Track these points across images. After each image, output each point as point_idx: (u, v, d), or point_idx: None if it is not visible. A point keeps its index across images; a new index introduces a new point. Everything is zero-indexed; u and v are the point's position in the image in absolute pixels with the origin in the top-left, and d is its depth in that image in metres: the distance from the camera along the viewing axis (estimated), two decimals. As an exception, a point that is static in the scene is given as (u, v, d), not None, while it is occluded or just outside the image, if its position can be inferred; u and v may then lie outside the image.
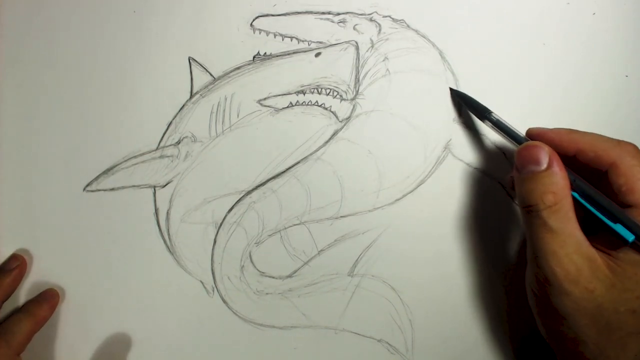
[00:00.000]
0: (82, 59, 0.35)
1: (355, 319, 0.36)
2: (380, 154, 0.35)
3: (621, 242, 0.27)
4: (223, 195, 0.35)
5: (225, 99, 0.35)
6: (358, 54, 0.35)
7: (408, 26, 0.35)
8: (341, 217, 0.36)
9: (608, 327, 0.27)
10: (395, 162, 0.35)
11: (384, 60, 0.35)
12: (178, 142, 0.35)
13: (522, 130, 0.32)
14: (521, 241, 0.36)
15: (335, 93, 0.35)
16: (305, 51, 0.35)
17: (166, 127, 0.35)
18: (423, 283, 0.36)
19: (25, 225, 0.36)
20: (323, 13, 0.35)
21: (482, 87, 0.35)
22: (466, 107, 0.34)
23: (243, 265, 0.36)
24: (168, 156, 0.35)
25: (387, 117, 0.35)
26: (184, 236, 0.36)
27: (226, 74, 0.35)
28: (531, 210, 0.28)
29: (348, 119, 0.35)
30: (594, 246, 0.28)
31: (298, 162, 0.35)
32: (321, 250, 0.36)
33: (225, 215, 0.36)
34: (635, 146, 0.29)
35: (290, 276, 0.36)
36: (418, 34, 0.35)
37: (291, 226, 0.36)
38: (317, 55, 0.35)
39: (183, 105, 0.35)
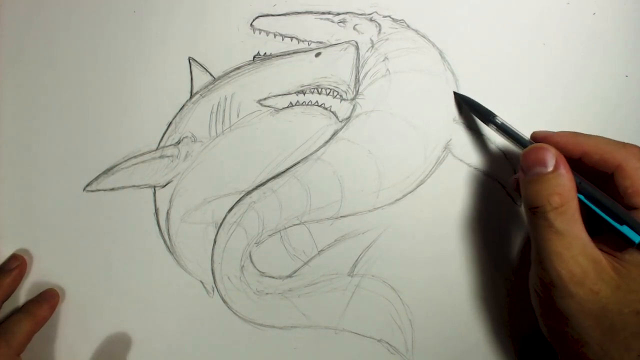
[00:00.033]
0: (82, 59, 0.35)
1: (355, 319, 0.36)
2: (380, 154, 0.35)
3: (627, 243, 0.27)
4: (223, 195, 0.35)
5: (225, 99, 0.35)
6: (358, 54, 0.35)
7: (408, 26, 0.35)
8: (341, 217, 0.36)
9: (612, 328, 0.27)
10: (395, 162, 0.35)
11: (384, 60, 0.35)
12: (178, 142, 0.35)
13: (526, 134, 0.31)
14: (522, 241, 0.36)
15: (335, 93, 0.35)
16: (305, 51, 0.35)
17: (166, 127, 0.35)
18: (423, 283, 0.36)
19: (25, 225, 0.36)
20: (323, 13, 0.35)
21: (482, 87, 0.35)
22: (470, 111, 0.34)
23: (243, 265, 0.36)
24: (168, 156, 0.35)
25: (387, 117, 0.35)
26: (184, 236, 0.36)
27: (226, 74, 0.35)
28: (537, 212, 0.28)
29: (348, 119, 0.35)
30: (598, 248, 0.28)
31: (298, 162, 0.35)
32: (321, 250, 0.36)
33: (225, 215, 0.36)
34: (639, 148, 0.29)
35: (290, 276, 0.36)
36: (418, 34, 0.35)
37: (291, 226, 0.36)
38: (317, 55, 0.35)
39: (183, 105, 0.35)
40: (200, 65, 0.35)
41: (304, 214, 0.36)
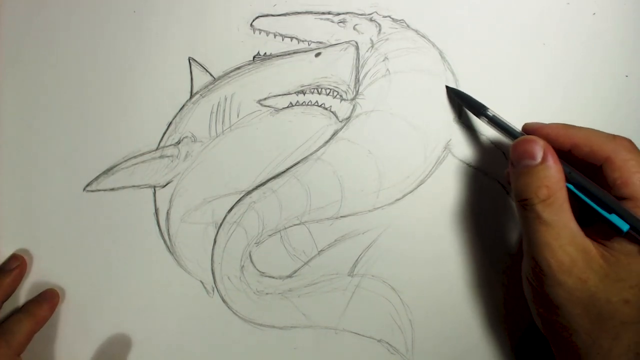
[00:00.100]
0: (82, 59, 0.35)
1: (355, 319, 0.36)
2: (380, 154, 0.35)
3: (615, 232, 0.27)
4: (223, 195, 0.35)
5: (225, 99, 0.35)
6: (358, 54, 0.35)
7: (408, 26, 0.35)
8: (341, 217, 0.36)
9: (600, 317, 0.27)
10: (395, 162, 0.35)
11: (384, 60, 0.35)
12: (178, 142, 0.35)
13: (518, 126, 0.32)
14: (521, 240, 0.36)
15: (335, 93, 0.35)
16: (305, 51, 0.35)
17: (166, 127, 0.35)
18: (423, 283, 0.36)
19: (25, 225, 0.36)
20: (323, 13, 0.35)
21: (482, 87, 0.35)
22: (462, 104, 0.34)
23: (243, 265, 0.36)
24: (168, 156, 0.35)
25: (387, 117, 0.35)
26: (184, 236, 0.36)
27: (226, 74, 0.35)
28: (526, 204, 0.28)
29: (348, 119, 0.35)
30: (589, 237, 0.28)
31: (298, 162, 0.35)
32: (321, 250, 0.36)
33: (225, 215, 0.36)
34: (629, 141, 0.29)
35: (290, 276, 0.36)
36: (418, 34, 0.35)
37: (291, 226, 0.36)
38: (317, 55, 0.35)
39: (183, 105, 0.35)
40: (200, 65, 0.35)
41: (304, 214, 0.36)
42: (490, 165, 0.35)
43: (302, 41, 0.35)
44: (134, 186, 0.35)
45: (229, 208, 0.35)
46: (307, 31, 0.35)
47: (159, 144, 0.35)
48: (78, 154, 0.35)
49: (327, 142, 0.35)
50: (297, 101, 0.35)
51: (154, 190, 0.35)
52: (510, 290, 0.36)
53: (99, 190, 0.35)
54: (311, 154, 0.35)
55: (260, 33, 0.35)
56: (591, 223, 0.29)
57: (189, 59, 0.35)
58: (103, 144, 0.35)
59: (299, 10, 0.35)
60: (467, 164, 0.35)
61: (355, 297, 0.36)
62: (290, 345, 0.36)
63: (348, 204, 0.35)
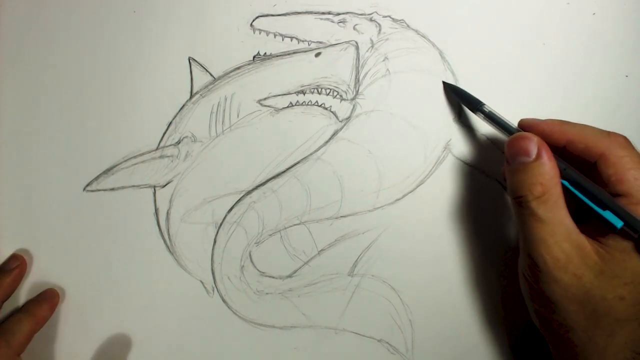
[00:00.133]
0: (82, 59, 0.35)
1: (355, 319, 0.36)
2: (380, 154, 0.35)
3: (609, 229, 0.27)
4: (223, 195, 0.35)
5: (225, 99, 0.35)
6: (358, 54, 0.35)
7: (408, 26, 0.35)
8: (341, 217, 0.36)
9: (596, 314, 0.27)
10: (395, 162, 0.35)
11: (384, 60, 0.35)
12: (178, 142, 0.35)
13: (514, 122, 0.32)
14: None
15: (335, 93, 0.35)
16: (305, 51, 0.35)
17: (166, 127, 0.35)
18: (423, 283, 0.36)
19: (25, 225, 0.36)
20: (323, 13, 0.35)
21: (482, 87, 0.35)
22: (459, 100, 0.34)
23: (243, 265, 0.36)
24: (168, 156, 0.35)
25: (387, 117, 0.35)
26: (184, 236, 0.36)
27: (226, 74, 0.35)
28: (521, 201, 0.28)
29: (348, 119, 0.35)
30: (584, 234, 0.28)
31: (298, 162, 0.35)
32: (321, 250, 0.36)
33: (225, 215, 0.36)
34: (624, 137, 0.29)
35: (290, 276, 0.36)
36: (418, 34, 0.35)
37: (291, 226, 0.36)
38: (317, 55, 0.35)
39: (183, 105, 0.35)
40: (200, 65, 0.35)
41: (304, 214, 0.36)
42: (490, 165, 0.35)
43: (302, 41, 0.35)
44: (134, 186, 0.35)
45: (229, 208, 0.35)
46: (307, 31, 0.35)
47: (159, 144, 0.35)
48: (78, 154, 0.35)
49: (327, 142, 0.35)
50: (297, 101, 0.35)
51: (154, 190, 0.35)
52: (510, 290, 0.36)
53: (99, 190, 0.35)
54: (311, 154, 0.35)
55: (260, 33, 0.35)
56: (587, 220, 0.29)
57: (189, 59, 0.35)
58: (103, 144, 0.35)
59: (299, 10, 0.35)
60: (467, 164, 0.35)
61: (355, 297, 0.36)
62: (290, 345, 0.36)
63: (348, 204, 0.35)
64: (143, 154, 0.35)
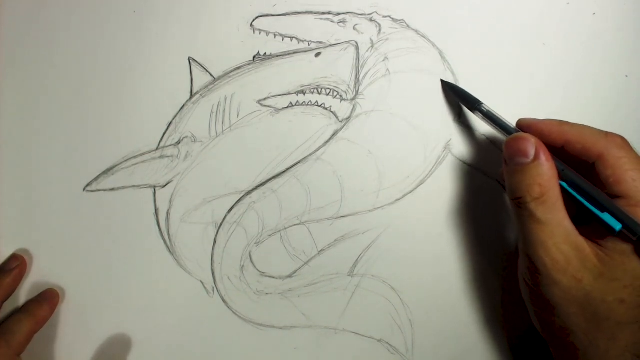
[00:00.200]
0: (82, 59, 0.35)
1: (355, 319, 0.36)
2: (380, 154, 0.35)
3: (608, 231, 0.27)
4: (223, 195, 0.35)
5: (225, 99, 0.35)
6: (358, 54, 0.35)
7: (408, 26, 0.35)
8: (341, 217, 0.36)
9: (596, 317, 0.27)
10: (395, 162, 0.35)
11: (384, 60, 0.35)
12: (178, 142, 0.35)
13: (513, 122, 0.31)
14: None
15: (335, 93, 0.35)
16: (305, 51, 0.35)
17: (166, 127, 0.35)
18: (423, 283, 0.36)
19: (25, 225, 0.36)
20: (323, 13, 0.35)
21: (482, 87, 0.35)
22: (458, 99, 0.34)
23: (243, 265, 0.36)
24: (168, 156, 0.35)
25: (387, 117, 0.35)
26: (184, 236, 0.36)
27: (226, 74, 0.35)
28: (519, 203, 0.28)
29: (348, 119, 0.35)
30: (584, 236, 0.28)
31: (298, 162, 0.35)
32: (321, 250, 0.36)
33: (225, 215, 0.36)
34: (622, 138, 0.29)
35: (290, 276, 0.36)
36: (418, 34, 0.35)
37: (291, 226, 0.36)
38: (317, 55, 0.35)
39: (183, 105, 0.35)
40: (200, 65, 0.35)
41: (304, 214, 0.36)
42: (490, 165, 0.35)
43: (302, 41, 0.35)
44: (134, 186, 0.35)
45: (229, 208, 0.35)
46: (307, 31, 0.35)
47: (159, 144, 0.35)
48: (78, 154, 0.35)
49: (327, 142, 0.35)
50: (297, 101, 0.35)
51: (154, 190, 0.35)
52: (510, 290, 0.36)
53: (99, 190, 0.35)
54: (311, 154, 0.35)
55: (260, 33, 0.35)
56: (586, 222, 0.29)
57: (189, 59, 0.35)
58: (103, 144, 0.35)
59: (299, 10, 0.35)
60: (467, 164, 0.35)
61: (355, 297, 0.36)
62: (290, 345, 0.36)
63: (348, 204, 0.35)
64: (143, 154, 0.35)
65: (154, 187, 0.35)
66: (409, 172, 0.35)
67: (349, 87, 0.35)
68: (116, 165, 0.35)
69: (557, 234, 0.27)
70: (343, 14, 0.35)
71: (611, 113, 0.35)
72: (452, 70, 0.35)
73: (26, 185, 0.35)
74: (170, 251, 0.36)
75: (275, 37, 0.35)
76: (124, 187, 0.35)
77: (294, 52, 0.35)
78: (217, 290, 0.36)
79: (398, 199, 0.35)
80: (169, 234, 0.36)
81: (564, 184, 0.28)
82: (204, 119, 0.35)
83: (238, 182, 0.35)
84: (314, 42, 0.35)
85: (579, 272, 0.27)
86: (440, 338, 0.36)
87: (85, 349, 0.36)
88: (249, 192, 0.35)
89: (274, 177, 0.35)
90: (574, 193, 0.28)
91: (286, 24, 0.35)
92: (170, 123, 0.35)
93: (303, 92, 0.35)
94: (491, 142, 0.35)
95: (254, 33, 0.35)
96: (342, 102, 0.35)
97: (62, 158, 0.35)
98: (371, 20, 0.35)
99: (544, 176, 0.28)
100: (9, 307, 0.35)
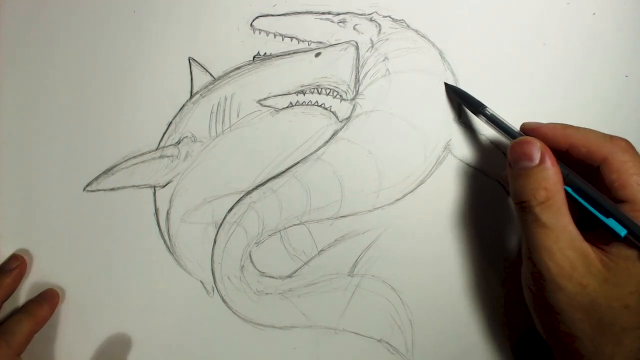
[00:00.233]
0: (82, 59, 0.35)
1: (355, 319, 0.36)
2: (380, 154, 0.35)
3: (613, 237, 0.27)
4: (223, 195, 0.35)
5: (225, 99, 0.35)
6: (358, 54, 0.35)
7: (408, 26, 0.35)
8: (341, 217, 0.36)
9: (601, 323, 0.27)
10: (395, 162, 0.35)
11: (384, 60, 0.35)
12: (178, 142, 0.35)
13: (517, 126, 0.31)
14: (520, 240, 0.36)
15: (335, 93, 0.35)
16: (305, 51, 0.35)
17: (166, 127, 0.35)
18: (423, 283, 0.36)
19: (25, 225, 0.36)
20: (323, 13, 0.35)
21: (482, 87, 0.35)
22: (461, 102, 0.34)
23: (243, 265, 0.36)
24: (168, 156, 0.35)
25: (387, 117, 0.35)
26: (184, 236, 0.36)
27: (226, 74, 0.35)
28: (524, 207, 0.28)
29: (348, 119, 0.35)
30: (588, 241, 0.28)
31: (298, 162, 0.35)
32: (321, 250, 0.36)
33: (225, 215, 0.36)
34: (627, 141, 0.29)
35: (290, 276, 0.36)
36: (418, 34, 0.35)
37: (291, 226, 0.36)
38: (317, 55, 0.35)
39: (183, 105, 0.35)
40: (200, 65, 0.35)
41: (304, 214, 0.36)
42: (490, 165, 0.35)
43: (302, 41, 0.35)
44: (134, 186, 0.35)
45: (229, 208, 0.35)
46: (307, 31, 0.35)
47: (159, 144, 0.35)
48: (78, 154, 0.35)
49: (327, 142, 0.35)
50: (297, 101, 0.35)
51: (154, 190, 0.35)
52: (510, 290, 0.36)
53: (99, 190, 0.35)
54: (311, 154, 0.35)
55: (260, 33, 0.35)
56: (590, 227, 0.29)
57: (189, 59, 0.35)
58: (103, 144, 0.35)
59: (299, 10, 0.35)
60: (467, 164, 0.35)
61: (355, 297, 0.36)
62: (290, 345, 0.36)
63: (348, 204, 0.35)
64: (143, 154, 0.35)
65: (154, 187, 0.35)
66: (409, 172, 0.35)
67: (349, 87, 0.35)
68: (116, 165, 0.35)
69: (562, 239, 0.27)
70: (343, 14, 0.35)
71: (611, 113, 0.35)
72: (452, 70, 0.35)
73: (26, 185, 0.35)
74: (170, 251, 0.36)
75: (275, 37, 0.35)
76: (124, 187, 0.35)
77: (294, 52, 0.35)
78: (217, 290, 0.36)
79: (398, 199, 0.35)
80: (169, 234, 0.36)
81: (569, 189, 0.28)
82: (204, 119, 0.35)
83: (238, 182, 0.35)
84: (314, 42, 0.35)
85: (584, 278, 0.27)
86: (440, 338, 0.36)
87: (85, 349, 0.36)
88: (249, 192, 0.35)
89: (274, 177, 0.35)
90: (579, 198, 0.28)
91: (286, 24, 0.35)
92: (170, 123, 0.35)
93: (303, 92, 0.35)
94: (491, 142, 0.35)
95: (254, 33, 0.35)
96: (342, 102, 0.35)
97: (62, 158, 0.35)
98: (371, 20, 0.35)
99: (549, 180, 0.27)
100: (9, 307, 0.35)
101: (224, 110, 0.35)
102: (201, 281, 0.36)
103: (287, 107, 0.35)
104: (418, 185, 0.35)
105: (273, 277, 0.36)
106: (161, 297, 0.36)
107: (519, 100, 0.35)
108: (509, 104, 0.35)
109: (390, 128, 0.35)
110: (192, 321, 0.36)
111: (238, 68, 0.35)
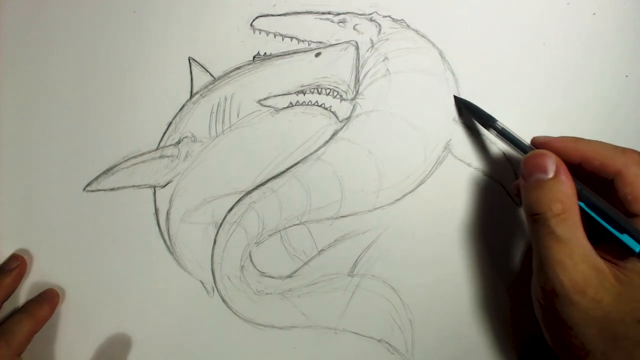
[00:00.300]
0: (82, 59, 0.35)
1: (355, 319, 0.36)
2: (380, 154, 0.35)
3: (627, 252, 0.27)
4: (223, 195, 0.35)
5: (225, 99, 0.35)
6: (358, 54, 0.35)
7: (408, 26, 0.35)
8: (341, 217, 0.36)
9: (615, 337, 0.26)
10: (395, 162, 0.35)
11: (384, 60, 0.35)
12: (178, 142, 0.35)
13: (526, 137, 0.31)
14: (521, 242, 0.36)
15: (335, 93, 0.35)
16: (305, 51, 0.35)
17: (166, 127, 0.35)
18: (423, 283, 0.36)
19: (25, 225, 0.36)
20: (323, 13, 0.35)
21: (482, 87, 0.35)
22: (470, 115, 0.34)
23: (243, 265, 0.36)
24: (168, 156, 0.35)
25: (387, 117, 0.35)
26: (184, 236, 0.36)
27: (226, 74, 0.35)
28: (538, 219, 0.27)
29: (348, 119, 0.35)
30: (599, 255, 0.27)
31: (298, 162, 0.35)
32: (321, 250, 0.36)
33: (225, 215, 0.36)
34: (639, 154, 0.29)
35: (290, 276, 0.36)
36: (418, 34, 0.35)
37: (291, 226, 0.36)
38: (317, 55, 0.35)
39: (183, 105, 0.35)
40: (200, 65, 0.35)
41: (304, 214, 0.36)
42: (490, 165, 0.35)
43: (302, 41, 0.35)
44: (134, 186, 0.35)
45: (229, 208, 0.35)
46: (307, 31, 0.35)
47: (159, 144, 0.35)
48: (78, 154, 0.35)
49: (327, 142, 0.35)
50: (297, 101, 0.35)
51: (154, 190, 0.35)
52: (512, 290, 0.36)
53: (99, 190, 0.35)
54: (311, 154, 0.35)
55: (260, 33, 0.35)
56: (600, 241, 0.28)
57: (189, 59, 0.35)
58: (103, 144, 0.35)
59: (299, 10, 0.35)
60: (467, 164, 0.35)
61: (355, 297, 0.36)
62: (290, 345, 0.36)
63: (348, 204, 0.35)
64: (143, 154, 0.35)
65: (154, 187, 0.35)
66: (409, 172, 0.35)
67: (349, 87, 0.35)
68: (116, 165, 0.35)
69: (576, 253, 0.27)
70: (343, 14, 0.35)
71: (611, 113, 0.35)
72: (452, 70, 0.35)
73: (26, 185, 0.35)
74: (170, 251, 0.36)
75: (275, 37, 0.35)
76: (124, 187, 0.35)
77: (294, 52, 0.35)
78: (217, 290, 0.36)
79: (398, 199, 0.35)
80: (169, 234, 0.36)
81: (582, 204, 0.28)
82: (204, 119, 0.35)
83: (238, 182, 0.35)
84: (314, 42, 0.35)
85: (598, 293, 0.26)
86: (440, 338, 0.36)
87: (85, 349, 0.36)
88: (249, 192, 0.35)
89: (274, 177, 0.35)
90: (593, 213, 0.28)
91: (286, 24, 0.35)
92: (170, 123, 0.35)
93: (303, 92, 0.35)
94: (491, 142, 0.35)
95: (254, 33, 0.35)
96: (342, 102, 0.35)
97: (62, 158, 0.35)
98: (371, 20, 0.35)
99: (565, 193, 0.27)
100: (9, 307, 0.35)
101: (224, 110, 0.35)
102: (201, 281, 0.36)
103: (287, 107, 0.35)
104: (418, 185, 0.35)
105: (273, 277, 0.36)
106: (161, 297, 0.36)
107: (519, 100, 0.35)
108: (509, 104, 0.35)
109: (390, 128, 0.35)
110: (192, 321, 0.36)
111: (238, 68, 0.35)
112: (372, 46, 0.35)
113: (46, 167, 0.35)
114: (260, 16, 0.35)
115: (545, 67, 0.35)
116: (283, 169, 0.35)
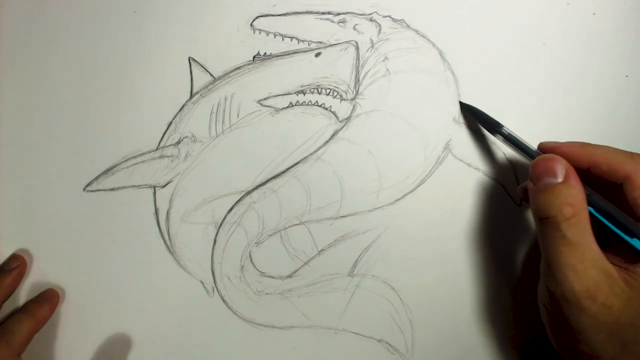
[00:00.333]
0: (82, 59, 0.35)
1: (355, 319, 0.36)
2: (380, 154, 0.35)
3: (638, 256, 0.27)
4: (223, 195, 0.35)
5: (225, 99, 0.35)
6: (358, 54, 0.35)
7: (408, 26, 0.35)
8: (341, 217, 0.36)
9: (624, 342, 0.26)
10: (395, 162, 0.35)
11: (384, 60, 0.35)
12: (178, 142, 0.35)
13: (530, 140, 0.31)
14: (521, 242, 0.36)
15: (335, 93, 0.35)
16: (305, 51, 0.35)
17: (166, 127, 0.35)
18: (423, 283, 0.36)
19: (25, 225, 0.36)
20: (323, 13, 0.35)
21: (482, 87, 0.35)
22: (476, 121, 0.34)
23: (243, 265, 0.36)
24: (168, 156, 0.35)
25: (387, 117, 0.35)
26: (184, 236, 0.36)
27: (226, 74, 0.35)
28: (548, 222, 0.27)
29: (348, 119, 0.35)
30: (608, 260, 0.27)
31: (298, 162, 0.35)
32: (321, 250, 0.36)
33: (225, 215, 0.36)
34: None
35: (290, 276, 0.36)
36: (418, 34, 0.35)
37: (291, 226, 0.36)
38: (317, 55, 0.35)
39: (183, 105, 0.35)
40: (200, 65, 0.35)
41: (304, 214, 0.36)
42: (490, 165, 0.35)
43: (302, 41, 0.35)
44: (134, 186, 0.35)
45: (229, 208, 0.35)
46: (307, 31, 0.35)
47: (159, 144, 0.35)
48: (78, 154, 0.35)
49: (327, 142, 0.35)
50: (297, 101, 0.35)
51: (154, 190, 0.35)
52: (513, 290, 0.36)
53: (99, 190, 0.35)
54: (311, 154, 0.35)
55: (260, 33, 0.35)
56: (607, 245, 0.28)
57: (189, 59, 0.35)
58: (103, 144, 0.35)
59: (299, 10, 0.35)
60: (467, 164, 0.35)
61: (355, 297, 0.36)
62: (290, 345, 0.36)
63: (348, 204, 0.35)
64: (143, 154, 0.35)
65: (154, 187, 0.35)
66: (409, 172, 0.35)
67: (349, 87, 0.35)
68: (116, 165, 0.35)
69: (587, 257, 0.27)
70: (343, 14, 0.35)
71: (611, 113, 0.35)
72: (452, 70, 0.35)
73: (26, 185, 0.35)
74: (170, 251, 0.36)
75: (275, 37, 0.35)
76: (124, 187, 0.35)
77: (294, 52, 0.35)
78: (217, 290, 0.36)
79: (398, 199, 0.35)
80: (169, 234, 0.36)
81: (591, 209, 0.28)
82: (204, 119, 0.35)
83: (238, 182, 0.35)
84: (314, 42, 0.35)
85: (609, 298, 0.26)
86: (440, 338, 0.36)
87: (85, 349, 0.36)
88: (249, 192, 0.35)
89: (274, 177, 0.35)
90: (602, 218, 0.28)
91: (286, 24, 0.35)
92: (170, 123, 0.35)
93: (303, 92, 0.35)
94: (491, 142, 0.35)
95: (254, 33, 0.35)
96: (342, 102, 0.35)
97: (62, 158, 0.35)
98: (371, 20, 0.35)
99: (575, 197, 0.27)
100: (9, 307, 0.35)
101: (224, 110, 0.35)
102: (201, 281, 0.36)
103: (287, 107, 0.35)
104: (418, 185, 0.35)
105: (273, 277, 0.36)
106: (161, 297, 0.36)
107: (519, 101, 0.35)
108: (509, 104, 0.35)
109: (390, 128, 0.35)
110: (192, 321, 0.36)
111: (238, 68, 0.35)
112: (372, 46, 0.35)
113: (46, 167, 0.35)
114: (260, 16, 0.35)
115: (545, 67, 0.35)
116: (283, 169, 0.35)
